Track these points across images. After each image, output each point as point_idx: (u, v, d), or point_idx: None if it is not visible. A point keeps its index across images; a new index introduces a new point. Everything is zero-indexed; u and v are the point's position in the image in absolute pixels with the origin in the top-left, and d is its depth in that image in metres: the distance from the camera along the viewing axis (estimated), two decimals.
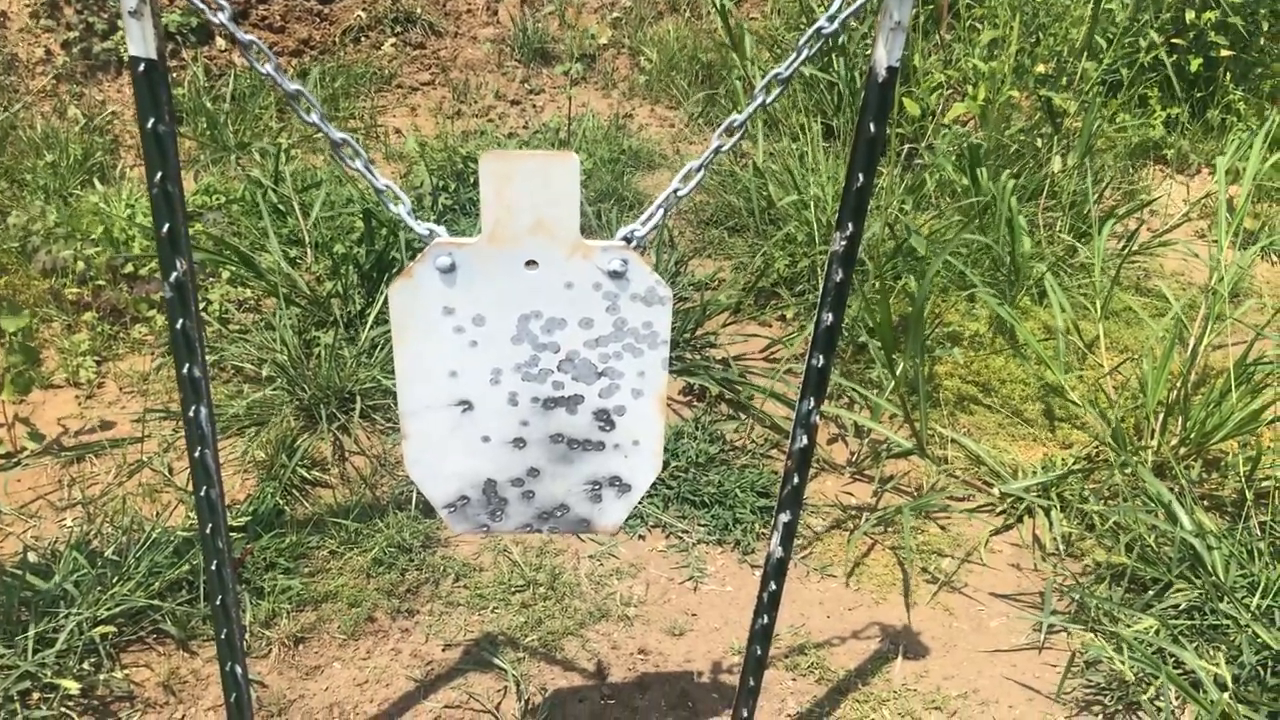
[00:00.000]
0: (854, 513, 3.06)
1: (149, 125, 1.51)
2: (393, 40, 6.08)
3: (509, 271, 1.64)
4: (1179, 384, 3.21)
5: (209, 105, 5.18)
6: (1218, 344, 3.66)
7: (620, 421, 1.79)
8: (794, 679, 2.53)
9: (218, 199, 4.45)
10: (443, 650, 2.56)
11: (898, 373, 2.89)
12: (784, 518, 1.92)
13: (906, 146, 4.71)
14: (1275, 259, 4.57)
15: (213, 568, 1.89)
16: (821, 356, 1.75)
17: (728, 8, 5.15)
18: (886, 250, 3.82)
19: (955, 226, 3.96)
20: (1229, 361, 3.79)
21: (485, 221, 1.60)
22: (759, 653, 2.08)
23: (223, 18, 1.49)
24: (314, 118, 1.63)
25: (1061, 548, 2.93)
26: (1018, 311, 3.72)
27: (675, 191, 1.67)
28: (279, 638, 2.55)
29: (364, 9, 6.12)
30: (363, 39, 6.08)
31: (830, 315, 1.72)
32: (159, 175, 1.57)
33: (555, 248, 1.62)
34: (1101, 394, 3.56)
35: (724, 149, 1.67)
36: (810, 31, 1.56)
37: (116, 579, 2.57)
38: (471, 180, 4.76)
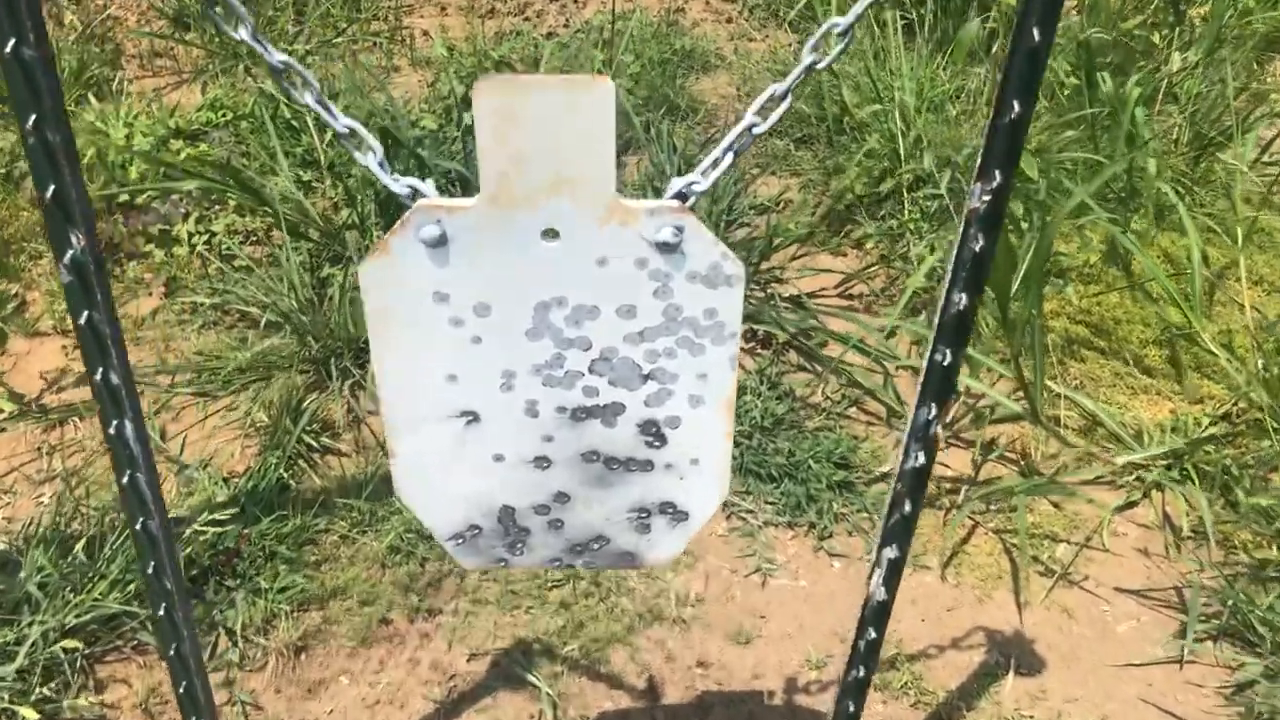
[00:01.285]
0: (949, 486, 2.60)
1: (8, 48, 1.06)
2: None
3: (520, 245, 1.19)
4: None
5: (218, 8, 4.69)
6: None
7: (674, 435, 1.35)
8: (885, 702, 2.11)
9: (224, 115, 4.01)
10: (467, 662, 2.17)
11: (1010, 318, 2.40)
12: (889, 553, 1.47)
13: (998, 43, 4.13)
14: None
15: (160, 613, 1.49)
16: (948, 351, 1.29)
17: None
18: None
19: (1059, 138, 3.40)
20: None
21: (485, 177, 1.14)
22: (851, 710, 1.66)
23: None
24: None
25: (1204, 531, 2.46)
26: (1136, 238, 3.19)
27: (750, 129, 1.19)
28: (277, 647, 2.17)
29: None
30: None
31: (963, 296, 1.25)
32: (32, 119, 1.12)
33: (583, 212, 1.16)
34: (1241, 337, 3.04)
35: (819, 66, 1.18)
36: None
37: (89, 579, 2.20)
38: None
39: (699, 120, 4.24)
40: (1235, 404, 2.75)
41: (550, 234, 1.19)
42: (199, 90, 4.31)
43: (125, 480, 1.36)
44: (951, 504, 2.55)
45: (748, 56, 4.76)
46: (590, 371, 1.29)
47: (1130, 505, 2.56)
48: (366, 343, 3.05)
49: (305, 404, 2.75)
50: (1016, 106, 1.08)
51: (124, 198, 3.50)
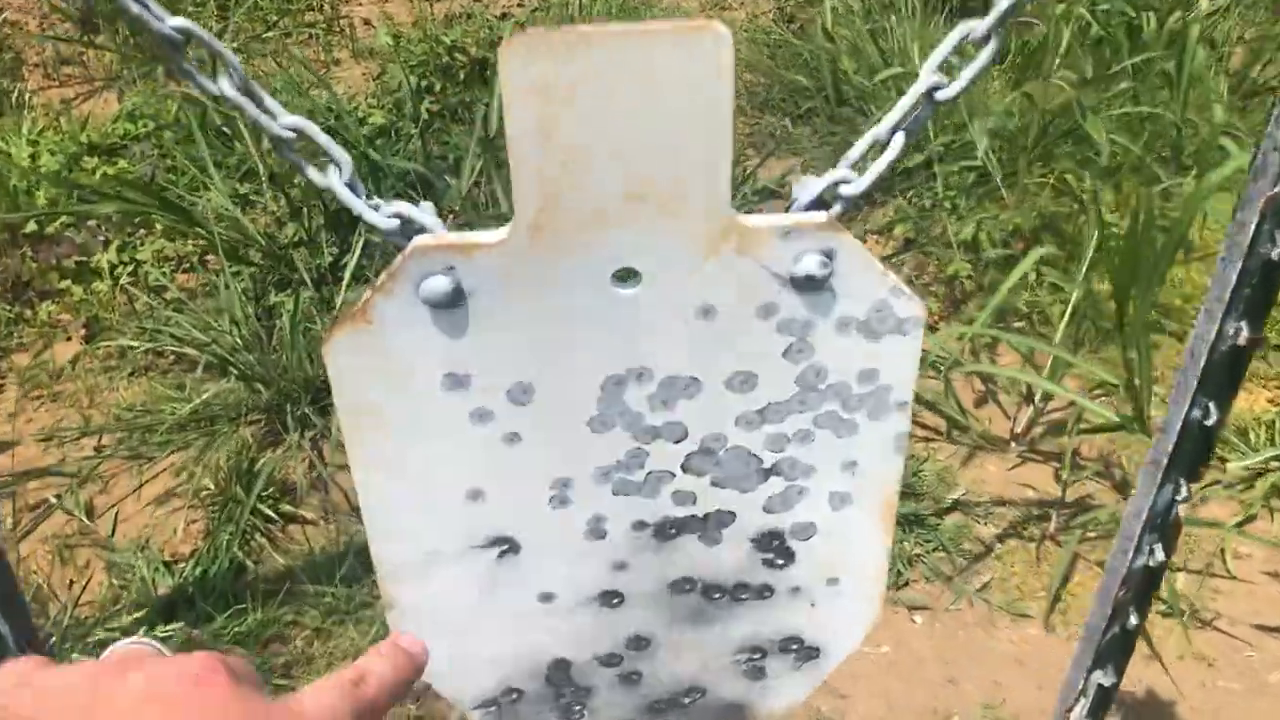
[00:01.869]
0: (1036, 512, 2.20)
1: None
2: None
3: (579, 295, 0.75)
4: None
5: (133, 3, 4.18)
6: None
7: (805, 550, 0.92)
8: None
9: (145, 125, 3.51)
10: None
11: (1126, 326, 1.98)
12: (1100, 678, 1.06)
13: None
14: None
15: None
16: (1211, 405, 0.87)
17: None
18: (1018, 128, 2.88)
19: (1104, 92, 3.00)
20: None
21: (522, 194, 0.70)
22: None
23: None
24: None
25: None
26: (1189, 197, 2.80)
27: (932, 91, 0.76)
28: None
29: None
30: None
31: (1242, 327, 0.83)
32: None
33: (679, 237, 0.73)
34: None
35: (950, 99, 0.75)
36: None
37: None
38: (461, 77, 3.79)
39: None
40: None
41: (626, 276, 0.75)
42: (114, 99, 3.80)
43: None
44: (1042, 533, 2.15)
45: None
46: (685, 470, 0.86)
47: (1249, 519, 2.17)
48: (325, 384, 2.60)
49: (259, 464, 2.29)
50: None
51: (31, 227, 3.01)
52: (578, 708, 1.03)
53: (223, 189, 3.11)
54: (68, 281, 2.93)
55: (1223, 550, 2.10)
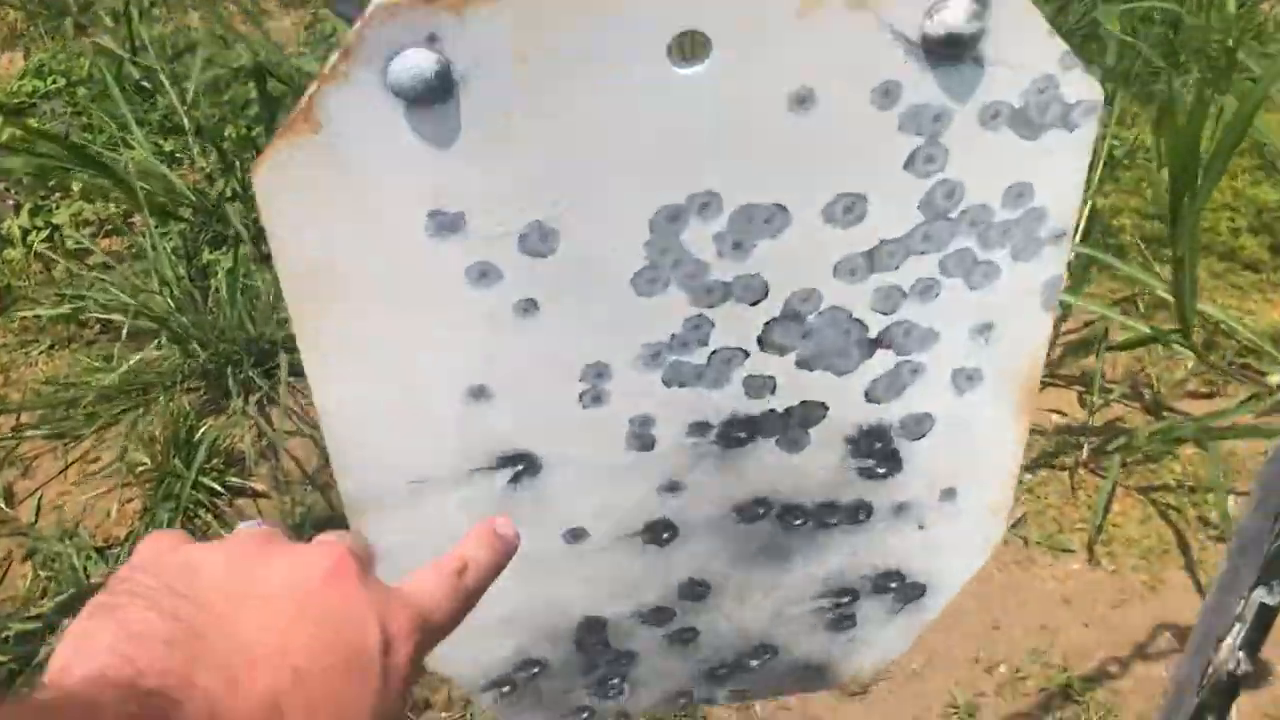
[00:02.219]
0: (1065, 439, 2.00)
1: None
2: None
3: (619, 78, 0.52)
4: None
5: None
6: None
7: (917, 452, 0.70)
8: None
9: (55, 82, 3.20)
10: None
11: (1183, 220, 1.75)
12: (1264, 595, 0.84)
13: None
14: None
15: None
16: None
17: None
18: None
19: None
20: None
21: None
22: None
23: None
24: None
25: None
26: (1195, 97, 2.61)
27: None
28: None
29: None
30: None
31: None
32: None
33: None
34: None
35: None
36: None
37: None
38: None
39: None
40: None
41: (686, 48, 0.52)
42: (20, 56, 3.48)
43: None
44: (1075, 461, 1.95)
45: None
46: (763, 346, 0.63)
47: None
48: (271, 343, 2.34)
49: (200, 434, 2.03)
50: None
51: None
52: (616, 680, 0.79)
53: (145, 145, 2.82)
54: None
55: None
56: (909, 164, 0.57)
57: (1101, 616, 1.71)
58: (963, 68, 0.54)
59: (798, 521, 0.72)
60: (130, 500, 1.99)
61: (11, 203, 2.76)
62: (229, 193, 2.67)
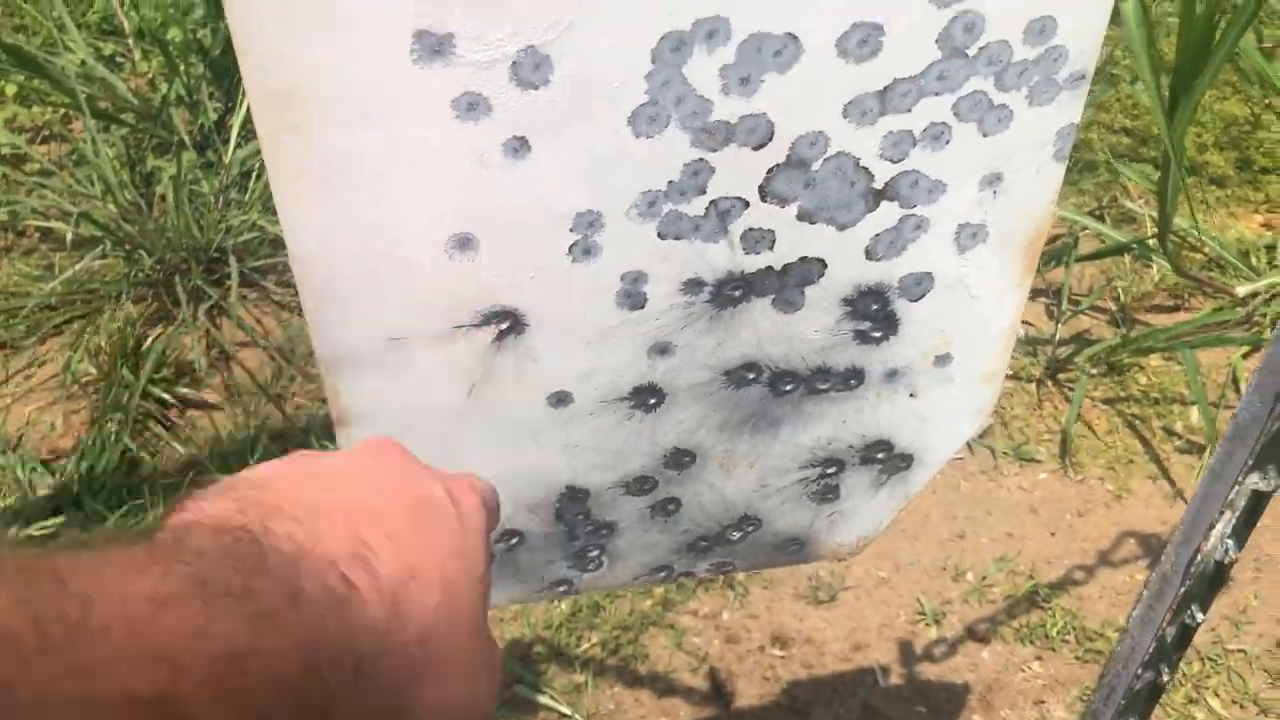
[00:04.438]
0: (1031, 350, 2.00)
1: None
2: None
3: None
4: None
5: None
6: None
7: (914, 314, 0.67)
8: (1041, 658, 1.52)
9: None
10: None
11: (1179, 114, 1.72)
12: (1259, 482, 0.83)
13: None
14: None
15: None
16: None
17: None
18: None
19: None
20: None
21: None
22: None
23: None
24: None
25: None
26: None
27: None
28: None
29: None
30: None
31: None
32: None
33: None
34: None
35: None
36: None
37: None
38: None
39: None
40: None
41: None
42: None
43: None
44: (1043, 372, 1.95)
45: None
46: (765, 196, 0.60)
47: (1256, 347, 2.00)
48: (220, 250, 2.26)
49: (148, 343, 1.96)
50: None
51: None
52: (595, 552, 0.77)
53: (84, 47, 2.70)
54: None
55: (1234, 376, 1.93)
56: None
57: (1068, 525, 1.72)
58: None
59: (788, 387, 0.69)
60: (76, 412, 1.92)
61: None
62: (173, 97, 2.57)
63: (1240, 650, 1.52)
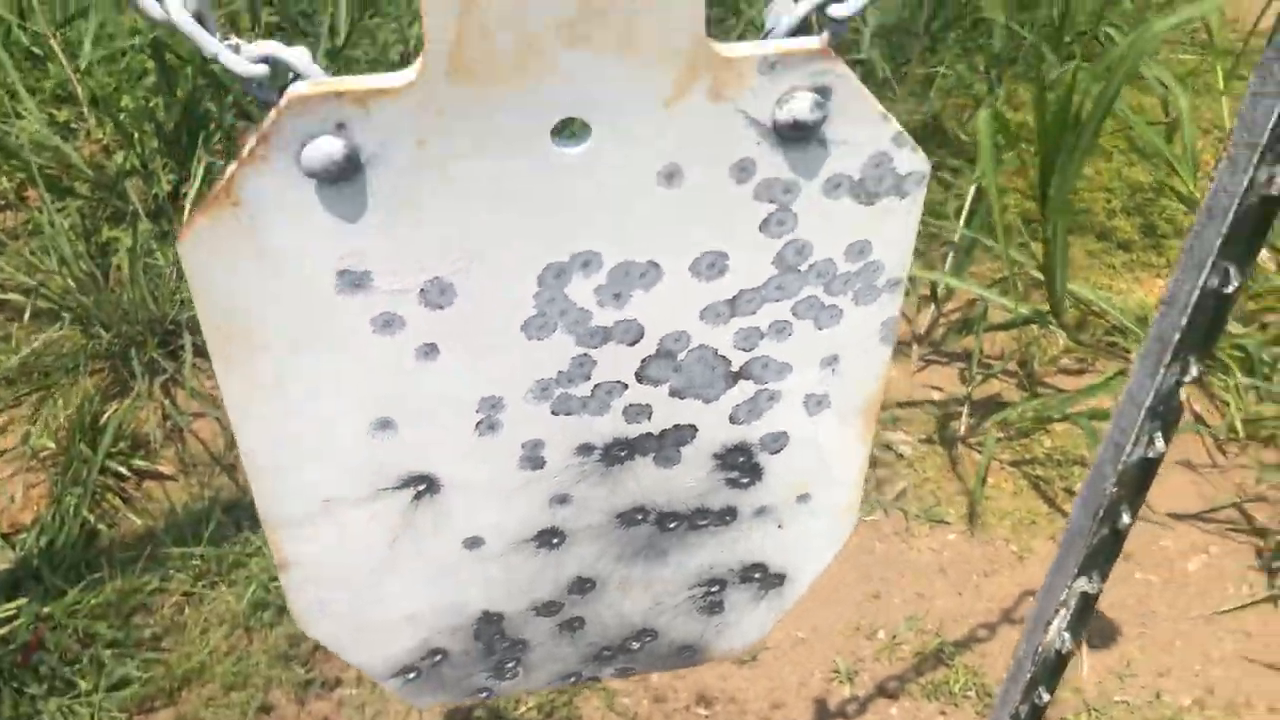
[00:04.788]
0: (945, 414, 2.13)
1: None
2: None
3: (510, 157, 0.59)
4: None
5: None
6: None
7: (774, 464, 0.79)
8: (944, 713, 1.64)
9: None
10: None
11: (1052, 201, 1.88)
12: (1085, 584, 0.96)
13: None
14: None
15: None
16: (1234, 270, 0.76)
17: None
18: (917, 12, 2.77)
19: None
20: None
21: (433, 25, 0.53)
22: None
23: None
24: None
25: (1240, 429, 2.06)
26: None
27: None
28: None
29: None
30: None
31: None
32: None
33: (636, 79, 0.57)
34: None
35: None
36: None
37: None
38: None
39: None
40: None
41: (569, 130, 0.59)
42: None
43: None
44: (956, 437, 2.08)
45: None
46: (640, 380, 0.71)
47: None
48: (175, 324, 2.35)
49: (105, 417, 2.05)
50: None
51: None
52: (511, 664, 0.88)
53: (38, 115, 2.78)
54: None
55: None
56: (763, 227, 0.65)
57: (974, 585, 1.84)
58: (809, 147, 0.62)
59: (673, 525, 0.81)
60: (35, 485, 2.00)
61: None
62: (128, 167, 2.65)
63: (1124, 701, 1.65)
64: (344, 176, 0.57)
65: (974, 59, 2.64)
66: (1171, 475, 2.02)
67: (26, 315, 2.27)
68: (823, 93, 0.60)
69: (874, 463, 2.04)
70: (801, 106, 0.60)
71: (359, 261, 0.61)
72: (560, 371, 0.69)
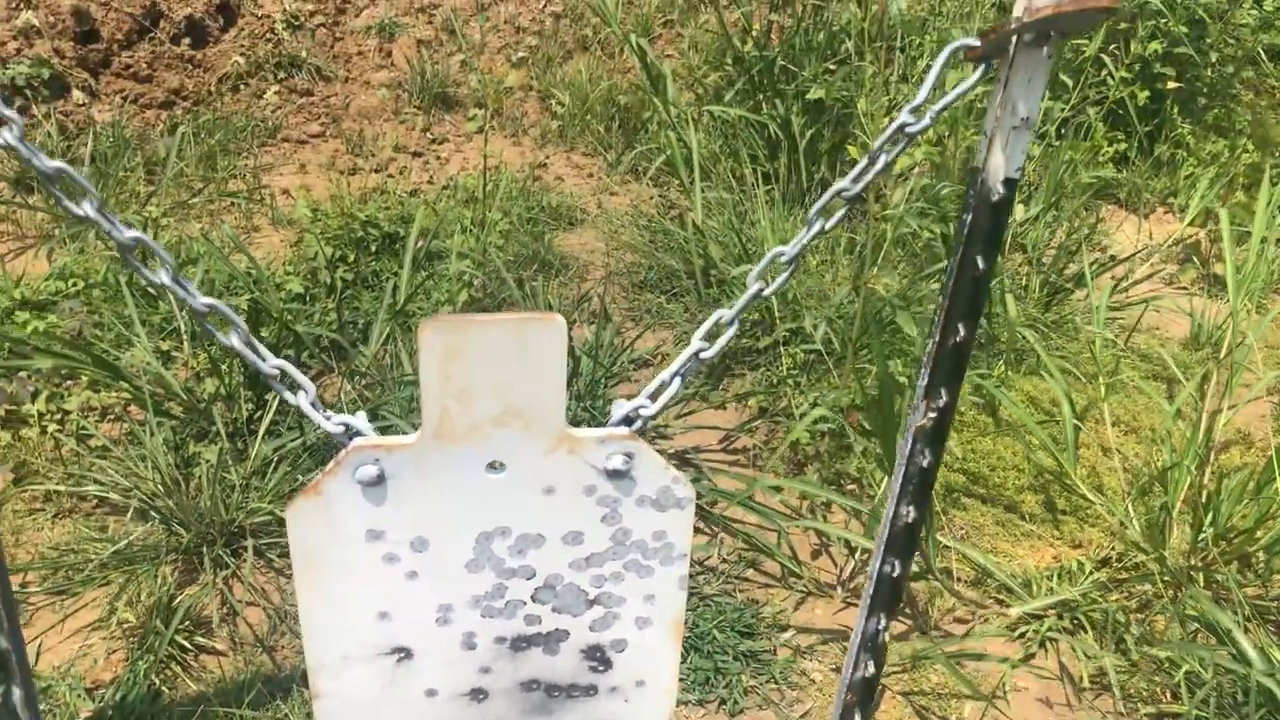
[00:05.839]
0: (846, 647, 2.59)
1: None
2: (276, 88, 5.49)
3: (463, 478, 1.13)
4: (1198, 468, 2.83)
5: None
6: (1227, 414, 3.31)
7: (619, 659, 1.29)
8: None
9: (75, 285, 3.82)
10: None
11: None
12: None
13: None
14: (1249, 306, 4.27)
15: None
16: (897, 562, 1.28)
17: (644, 48, 4.70)
18: (853, 316, 3.39)
19: (929, 295, 3.54)
20: (1236, 433, 3.44)
21: (428, 413, 1.09)
22: None
23: None
24: (87, 208, 1.10)
25: (1102, 680, 2.50)
26: (996, 384, 3.32)
27: (697, 354, 1.18)
28: None
29: (242, 54, 5.52)
30: (242, 87, 5.47)
31: (911, 509, 1.25)
32: None
33: (531, 443, 1.12)
34: (1109, 479, 3.17)
35: (765, 293, 1.19)
36: (890, 130, 1.09)
37: None
38: (373, 248, 4.20)
39: (571, 275, 4.27)
40: (1112, 549, 2.85)
41: (495, 466, 1.14)
42: (45, 257, 4.11)
43: None
44: None
45: (612, 211, 4.85)
46: (533, 600, 1.23)
47: (1029, 658, 2.60)
48: (239, 529, 2.89)
49: (177, 600, 2.56)
50: (961, 330, 1.10)
51: None
52: None
53: (146, 345, 3.42)
54: None
55: (1003, 682, 2.52)
56: (603, 519, 1.19)
57: None
58: (625, 480, 1.16)
59: (556, 693, 1.31)
60: (115, 651, 2.50)
61: (31, 389, 3.33)
62: (216, 393, 3.26)
63: None
64: (375, 484, 1.12)
65: (895, 360, 3.22)
66: (1034, 713, 2.46)
67: (130, 513, 2.83)
68: (629, 455, 1.15)
69: (790, 684, 2.49)
70: (616, 461, 1.14)
71: (378, 525, 1.15)
72: (486, 592, 1.22)
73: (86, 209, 1.08)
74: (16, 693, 1.18)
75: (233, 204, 4.67)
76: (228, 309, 1.14)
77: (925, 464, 1.20)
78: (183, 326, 3.59)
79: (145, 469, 2.95)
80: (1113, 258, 4.19)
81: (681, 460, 3.16)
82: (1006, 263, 3.97)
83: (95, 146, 4.75)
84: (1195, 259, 4.53)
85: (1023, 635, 2.64)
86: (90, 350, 3.31)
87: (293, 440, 3.05)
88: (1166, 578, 2.65)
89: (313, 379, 3.53)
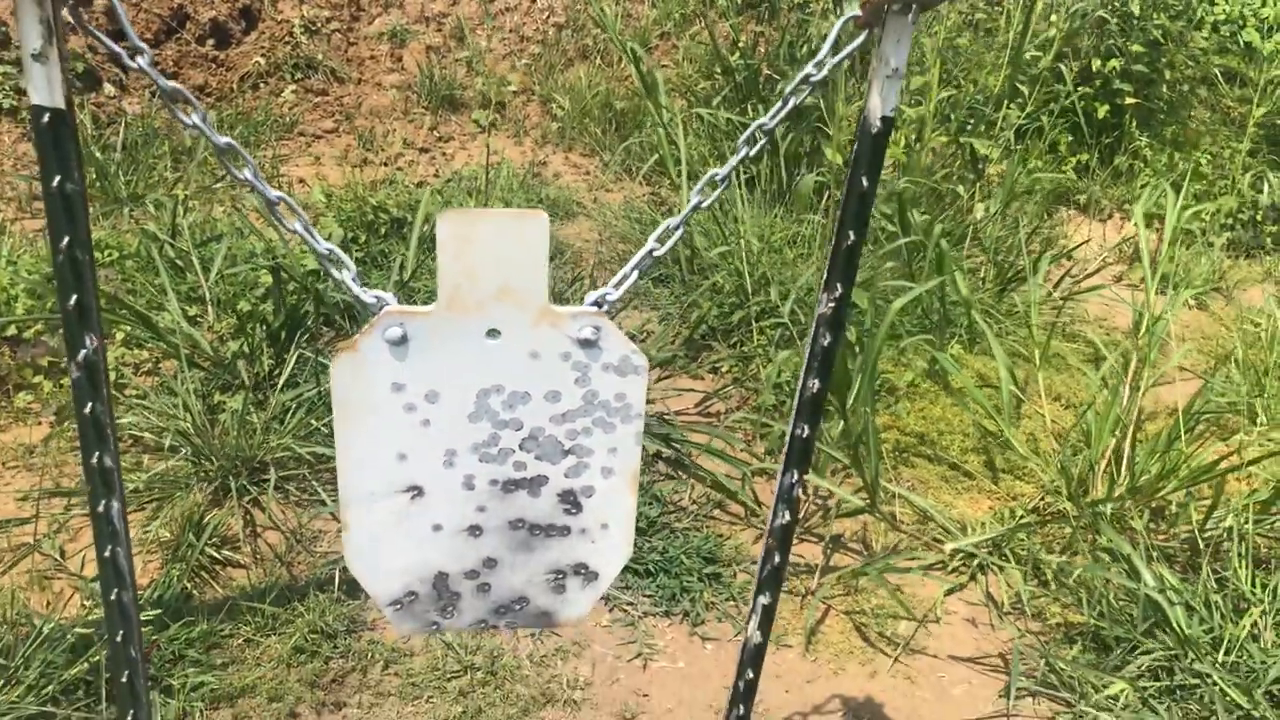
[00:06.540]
0: (805, 574, 2.92)
1: (55, 184, 1.31)
2: (293, 87, 5.85)
3: (468, 342, 1.47)
4: (1121, 432, 3.17)
5: (98, 155, 4.88)
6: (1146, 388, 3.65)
7: (588, 504, 1.63)
8: None
9: (110, 255, 4.17)
10: None
11: (849, 426, 2.77)
12: (763, 600, 1.77)
13: (828, 194, 4.66)
14: (1192, 304, 4.62)
15: (124, 679, 1.66)
16: (806, 426, 1.62)
17: (639, 54, 5.06)
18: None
19: (883, 273, 3.89)
20: (1163, 407, 3.78)
21: (443, 288, 1.43)
22: None
23: (143, 62, 1.31)
24: (247, 174, 1.44)
25: (1021, 605, 2.84)
26: (951, 359, 3.66)
27: (650, 252, 1.52)
28: None
29: (262, 55, 5.88)
30: (261, 85, 5.83)
31: (816, 382, 1.59)
32: (66, 240, 1.37)
33: (521, 315, 1.46)
34: (1044, 443, 3.51)
35: (704, 205, 1.53)
36: (797, 79, 1.44)
37: (3, 684, 2.29)
38: (382, 231, 4.55)
39: (566, 261, 4.61)
40: (1042, 499, 3.19)
41: (493, 333, 1.48)
42: None
43: (107, 554, 1.55)
44: (807, 590, 2.87)
45: (606, 206, 5.20)
46: (520, 449, 1.57)
47: (960, 587, 2.93)
48: (261, 462, 3.23)
49: (206, 520, 2.89)
50: (851, 235, 1.45)
51: (11, 330, 3.61)
52: (451, 609, 1.69)
53: (176, 309, 3.76)
54: (40, 377, 3.52)
55: (936, 606, 2.85)
56: (577, 381, 1.52)
57: (799, 688, 2.59)
58: (594, 349, 1.50)
59: (537, 532, 1.64)
60: (151, 561, 2.83)
61: None
62: (239, 352, 3.60)
63: None
64: (400, 343, 1.46)
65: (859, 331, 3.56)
66: (960, 632, 2.79)
67: (167, 446, 3.16)
68: (597, 328, 1.49)
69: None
70: (587, 332, 1.48)
71: (400, 379, 1.49)
72: (484, 440, 1.55)
73: (247, 174, 1.42)
74: (115, 506, 1.51)
75: (252, 189, 5.01)
76: (294, 202, 1.48)
77: (826, 344, 1.53)
78: (207, 295, 3.93)
79: (178, 411, 3.28)
80: (1064, 249, 4.53)
81: (661, 420, 3.49)
82: (966, 256, 4.32)
83: (126, 135, 5.10)
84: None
85: (956, 570, 2.97)
86: (131, 307, 3.66)
87: (309, 389, 3.38)
88: (1084, 522, 2.98)
89: (330, 339, 3.87)
